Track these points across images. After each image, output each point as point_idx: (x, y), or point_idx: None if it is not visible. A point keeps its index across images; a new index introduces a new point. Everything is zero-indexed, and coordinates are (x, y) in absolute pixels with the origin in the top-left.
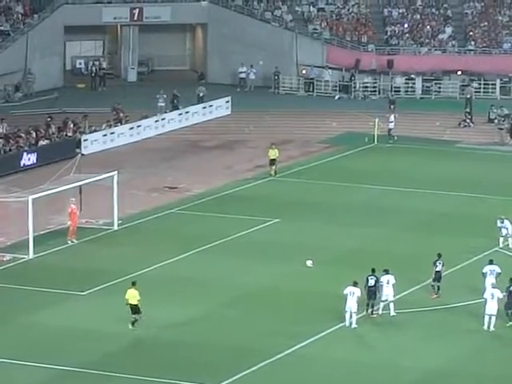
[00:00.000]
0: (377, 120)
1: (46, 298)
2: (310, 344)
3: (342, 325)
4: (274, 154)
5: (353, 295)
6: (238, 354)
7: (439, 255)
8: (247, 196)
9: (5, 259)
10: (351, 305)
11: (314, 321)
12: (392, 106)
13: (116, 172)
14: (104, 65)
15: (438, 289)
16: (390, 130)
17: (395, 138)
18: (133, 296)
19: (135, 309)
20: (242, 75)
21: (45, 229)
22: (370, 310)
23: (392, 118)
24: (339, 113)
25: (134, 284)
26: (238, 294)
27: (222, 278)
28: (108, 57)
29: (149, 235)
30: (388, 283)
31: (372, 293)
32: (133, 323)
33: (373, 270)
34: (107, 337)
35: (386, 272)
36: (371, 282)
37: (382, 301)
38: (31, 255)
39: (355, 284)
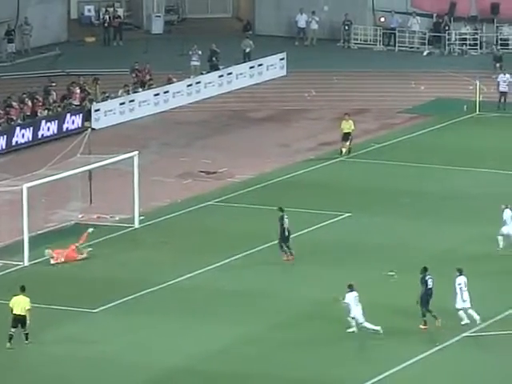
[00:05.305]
0: (478, 82)
1: (45, 318)
2: (395, 374)
3: (437, 349)
4: (348, 126)
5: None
6: None
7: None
8: (309, 183)
9: None
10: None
11: (398, 344)
12: (498, 64)
13: (137, 152)
14: (120, 12)
15: None
16: (504, 94)
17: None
18: (19, 304)
19: (20, 321)
20: (301, 24)
21: (44, 227)
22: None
23: (505, 76)
24: (429, 73)
25: (23, 289)
26: (297, 312)
27: (275, 291)
28: (126, 2)
29: (180, 235)
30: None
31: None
32: (10, 338)
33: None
34: (125, 369)
35: (460, 272)
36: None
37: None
38: (26, 262)
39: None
